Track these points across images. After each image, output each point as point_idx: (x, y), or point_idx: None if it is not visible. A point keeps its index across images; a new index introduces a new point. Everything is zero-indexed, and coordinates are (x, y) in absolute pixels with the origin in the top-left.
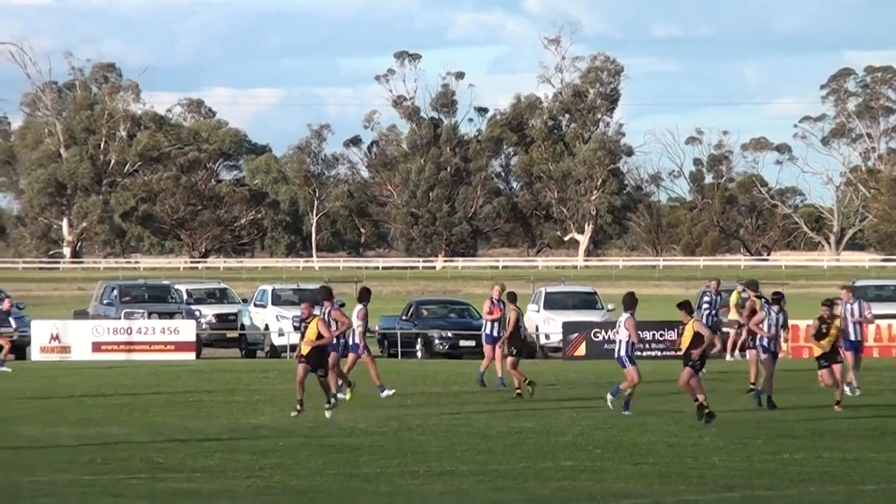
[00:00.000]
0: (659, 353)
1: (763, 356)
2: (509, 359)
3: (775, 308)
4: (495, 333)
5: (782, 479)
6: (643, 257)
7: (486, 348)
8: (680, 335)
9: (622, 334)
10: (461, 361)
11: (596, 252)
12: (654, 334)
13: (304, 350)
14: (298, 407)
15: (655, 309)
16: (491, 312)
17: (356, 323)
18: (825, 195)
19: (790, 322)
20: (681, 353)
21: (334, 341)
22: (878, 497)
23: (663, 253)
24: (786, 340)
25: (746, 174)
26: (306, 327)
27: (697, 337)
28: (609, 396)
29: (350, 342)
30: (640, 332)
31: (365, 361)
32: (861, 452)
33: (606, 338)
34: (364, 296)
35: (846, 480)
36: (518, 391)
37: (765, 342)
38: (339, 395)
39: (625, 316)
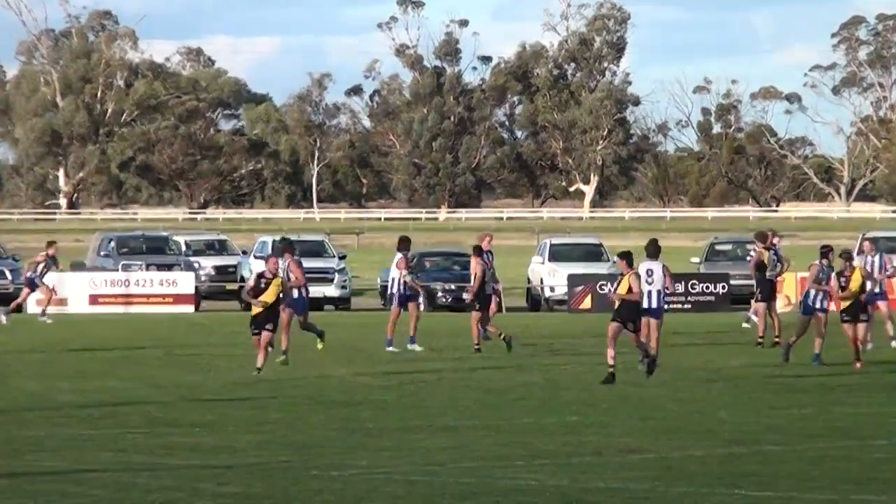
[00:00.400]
0: (666, 307)
1: (821, 314)
2: (473, 313)
3: (825, 262)
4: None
5: (791, 435)
6: (650, 208)
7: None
8: (616, 284)
9: (657, 283)
10: (464, 314)
11: (602, 203)
12: None
13: (255, 311)
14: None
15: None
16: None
17: (399, 272)
18: (835, 145)
19: (801, 275)
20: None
21: (294, 295)
22: (888, 452)
23: (670, 204)
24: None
25: (755, 124)
26: (267, 284)
27: (629, 292)
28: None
29: (388, 292)
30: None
31: (392, 312)
32: (871, 407)
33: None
34: (403, 245)
35: (855, 435)
36: (503, 337)
37: (809, 300)
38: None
39: (658, 265)
